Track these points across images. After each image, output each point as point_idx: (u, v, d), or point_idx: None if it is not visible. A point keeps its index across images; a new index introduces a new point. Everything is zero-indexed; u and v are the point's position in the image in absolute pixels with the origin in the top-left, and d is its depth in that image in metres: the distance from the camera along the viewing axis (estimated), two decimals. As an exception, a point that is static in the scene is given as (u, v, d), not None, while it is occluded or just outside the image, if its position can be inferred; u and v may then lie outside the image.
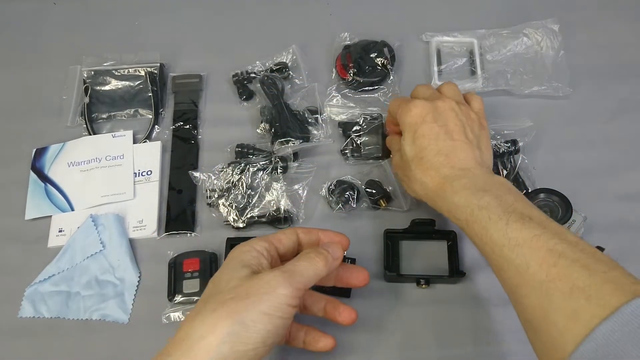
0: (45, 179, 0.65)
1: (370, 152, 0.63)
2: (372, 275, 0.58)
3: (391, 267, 0.57)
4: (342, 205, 0.60)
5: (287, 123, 0.64)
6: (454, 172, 0.49)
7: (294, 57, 0.71)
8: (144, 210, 0.63)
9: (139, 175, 0.65)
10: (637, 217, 0.61)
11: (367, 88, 0.69)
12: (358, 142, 0.64)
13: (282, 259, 0.47)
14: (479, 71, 0.69)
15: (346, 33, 0.72)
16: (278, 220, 0.61)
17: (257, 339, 0.38)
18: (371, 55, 0.69)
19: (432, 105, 0.51)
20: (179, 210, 0.63)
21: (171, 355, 0.37)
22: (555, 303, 0.38)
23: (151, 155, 0.66)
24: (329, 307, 0.50)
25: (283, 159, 0.62)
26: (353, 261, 0.58)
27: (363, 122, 0.64)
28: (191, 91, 0.70)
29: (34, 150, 0.67)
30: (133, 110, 0.70)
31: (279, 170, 0.62)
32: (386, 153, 0.62)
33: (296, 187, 0.62)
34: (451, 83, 0.56)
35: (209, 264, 0.58)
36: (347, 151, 0.64)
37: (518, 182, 0.62)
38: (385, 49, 0.69)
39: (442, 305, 0.57)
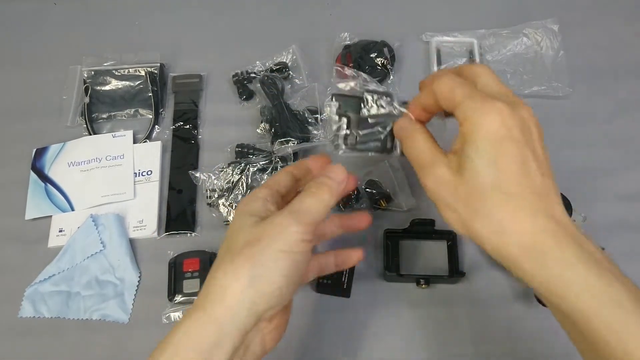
0: (45, 179, 0.65)
1: (369, 143, 0.48)
2: (372, 275, 0.58)
3: (391, 267, 0.57)
4: (341, 205, 0.60)
5: (287, 123, 0.64)
6: (553, 225, 0.35)
7: (294, 57, 0.71)
8: (144, 210, 0.63)
9: (139, 175, 0.65)
10: (637, 217, 0.61)
11: (367, 88, 0.68)
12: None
13: (284, 199, 0.44)
14: (479, 71, 0.69)
15: (346, 33, 0.72)
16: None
17: (279, 276, 0.37)
18: (371, 55, 0.69)
19: (518, 115, 0.37)
20: (179, 210, 0.63)
21: (203, 308, 0.37)
22: None
23: (151, 155, 0.66)
24: (344, 221, 0.49)
25: (283, 159, 0.62)
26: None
27: (368, 102, 0.48)
28: (191, 91, 0.70)
29: (34, 150, 0.67)
30: (133, 110, 0.70)
31: (279, 170, 0.62)
32: (390, 146, 0.48)
33: (296, 187, 0.62)
34: (490, 71, 0.41)
35: (209, 264, 0.58)
36: (339, 139, 0.48)
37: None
38: (385, 49, 0.69)
39: (442, 305, 0.57)
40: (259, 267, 0.37)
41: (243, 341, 0.37)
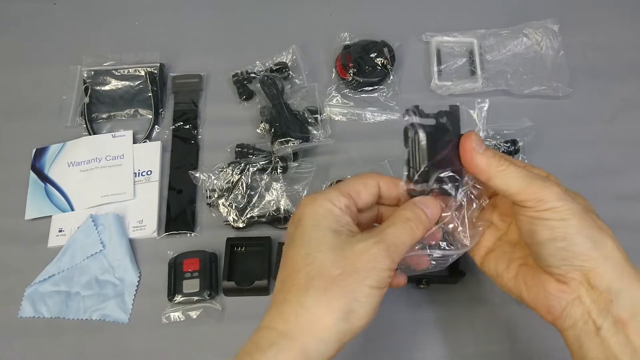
0: (45, 179, 0.65)
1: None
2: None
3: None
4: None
5: (287, 123, 0.64)
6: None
7: (294, 57, 0.71)
8: (144, 210, 0.63)
9: (139, 175, 0.65)
10: (637, 217, 0.61)
11: (367, 88, 0.69)
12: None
13: (359, 211, 0.42)
14: (478, 71, 0.69)
15: (346, 33, 0.72)
16: (278, 220, 0.61)
17: (369, 312, 0.36)
18: (371, 55, 0.69)
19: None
20: (179, 210, 0.63)
21: (291, 336, 0.35)
22: None
23: (151, 155, 0.66)
24: None
25: (283, 159, 0.62)
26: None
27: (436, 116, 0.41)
28: (191, 91, 0.70)
29: (34, 150, 0.67)
30: (133, 110, 0.70)
31: (278, 170, 0.62)
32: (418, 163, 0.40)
33: (296, 187, 0.62)
34: None
35: (209, 264, 0.58)
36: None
37: (518, 182, 0.61)
38: (385, 49, 0.69)
39: (442, 305, 0.57)
40: (354, 302, 0.36)
41: None
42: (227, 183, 0.61)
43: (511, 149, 0.62)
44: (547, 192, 0.38)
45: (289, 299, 0.36)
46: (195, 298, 0.56)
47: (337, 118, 0.67)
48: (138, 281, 0.59)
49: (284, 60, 0.71)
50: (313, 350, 0.35)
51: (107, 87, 0.70)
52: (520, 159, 0.63)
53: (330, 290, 0.35)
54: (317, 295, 0.36)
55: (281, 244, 0.59)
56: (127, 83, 0.70)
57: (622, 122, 0.67)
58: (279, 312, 0.37)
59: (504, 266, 0.43)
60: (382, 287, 0.37)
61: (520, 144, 0.62)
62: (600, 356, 0.37)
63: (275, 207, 0.61)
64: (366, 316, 0.36)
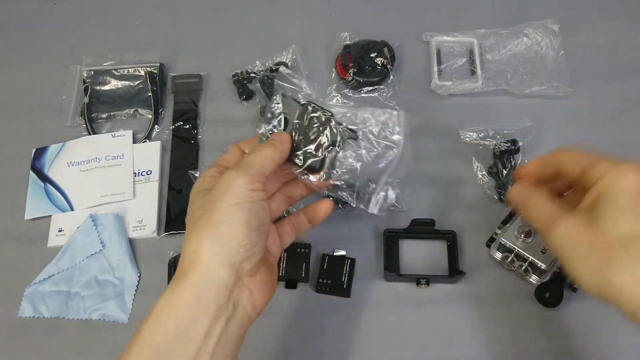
0: (45, 178, 0.65)
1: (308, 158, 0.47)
2: (372, 275, 0.58)
3: (391, 267, 0.57)
4: (341, 205, 0.60)
5: (287, 123, 0.64)
6: None
7: (294, 57, 0.71)
8: (144, 210, 0.63)
9: (138, 175, 0.65)
10: (637, 217, 0.61)
11: (367, 88, 0.69)
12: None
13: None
14: (479, 71, 0.69)
15: (346, 33, 0.72)
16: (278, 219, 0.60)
17: (238, 226, 0.39)
18: (371, 55, 0.69)
19: None
20: (179, 210, 0.63)
21: (179, 278, 0.39)
22: None
23: (151, 155, 0.66)
24: (309, 213, 0.50)
25: (283, 158, 0.62)
26: (353, 261, 0.58)
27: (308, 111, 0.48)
28: (191, 91, 0.70)
29: (34, 150, 0.67)
30: (133, 110, 0.70)
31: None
32: (318, 167, 0.47)
33: (296, 187, 0.62)
34: None
35: (208, 264, 0.58)
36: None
37: (518, 182, 0.61)
38: (385, 49, 0.69)
39: (442, 305, 0.56)
40: (217, 224, 0.39)
41: (229, 299, 0.38)
42: (227, 183, 0.61)
43: (511, 149, 0.62)
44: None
45: (182, 252, 0.40)
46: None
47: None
48: (138, 281, 0.59)
49: (284, 60, 0.71)
50: (200, 281, 0.38)
51: (107, 87, 0.70)
52: (520, 159, 0.63)
53: (196, 228, 0.39)
54: (189, 237, 0.40)
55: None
56: (127, 83, 0.70)
57: (622, 122, 0.67)
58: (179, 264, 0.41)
59: None
60: (246, 200, 0.40)
61: (520, 144, 0.62)
62: None
63: (275, 207, 0.61)
64: (236, 231, 0.39)
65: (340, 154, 0.47)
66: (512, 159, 0.62)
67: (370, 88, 0.69)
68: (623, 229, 0.36)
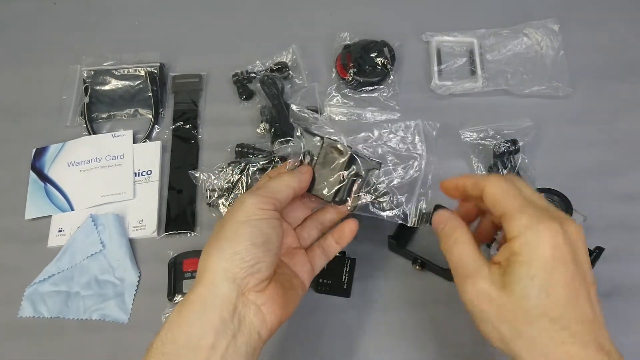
0: (45, 178, 0.65)
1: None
2: (373, 275, 0.58)
3: (399, 239, 0.57)
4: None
5: (287, 123, 0.64)
6: (602, 357, 0.34)
7: (294, 57, 0.71)
8: (144, 210, 0.63)
9: (138, 175, 0.65)
10: (637, 217, 0.61)
11: (367, 88, 0.69)
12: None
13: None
14: (479, 71, 0.69)
15: (346, 33, 0.72)
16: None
17: (242, 243, 0.40)
18: (371, 55, 0.69)
19: (569, 237, 0.36)
20: (179, 210, 0.63)
21: (193, 290, 0.40)
22: None
23: (151, 155, 0.66)
24: (335, 234, 0.51)
25: (283, 158, 0.62)
26: (353, 261, 0.58)
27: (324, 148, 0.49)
28: (191, 91, 0.70)
29: (34, 150, 0.67)
30: (133, 110, 0.70)
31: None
32: (341, 198, 0.49)
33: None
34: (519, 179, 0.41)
35: (208, 264, 0.58)
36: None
37: (518, 182, 0.61)
38: (385, 49, 0.69)
39: (442, 304, 0.56)
40: (223, 240, 0.41)
41: (234, 313, 0.39)
42: (227, 183, 0.61)
43: (511, 149, 0.62)
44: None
45: (198, 266, 0.42)
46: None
47: (337, 118, 0.67)
48: (138, 281, 0.59)
49: (284, 60, 0.71)
50: (206, 294, 0.39)
51: (107, 87, 0.70)
52: (520, 158, 0.63)
53: (210, 248, 0.41)
54: (204, 259, 0.41)
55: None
56: (127, 83, 0.70)
57: (622, 122, 0.67)
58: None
59: None
60: (253, 218, 0.41)
61: (520, 143, 0.62)
62: None
63: (275, 207, 0.61)
64: (240, 247, 0.40)
65: (365, 181, 0.48)
66: (512, 159, 0.62)
67: (371, 88, 0.69)
68: (532, 302, 0.35)
